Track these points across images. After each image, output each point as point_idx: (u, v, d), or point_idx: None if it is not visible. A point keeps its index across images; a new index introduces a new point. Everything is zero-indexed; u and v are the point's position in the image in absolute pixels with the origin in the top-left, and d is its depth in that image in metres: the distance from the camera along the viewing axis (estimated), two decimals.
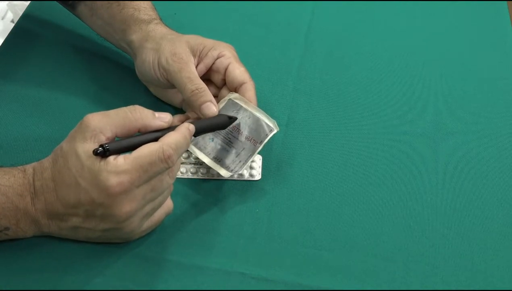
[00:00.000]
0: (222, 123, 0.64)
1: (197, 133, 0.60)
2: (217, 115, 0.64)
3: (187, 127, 0.58)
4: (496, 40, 0.85)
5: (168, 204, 0.60)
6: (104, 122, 0.54)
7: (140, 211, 0.56)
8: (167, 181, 0.57)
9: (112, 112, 0.55)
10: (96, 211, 0.54)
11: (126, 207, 0.54)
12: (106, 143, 0.53)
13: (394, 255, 0.61)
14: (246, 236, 0.62)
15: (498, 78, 0.80)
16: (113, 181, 0.52)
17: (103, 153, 0.53)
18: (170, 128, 0.57)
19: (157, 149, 0.54)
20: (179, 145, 0.56)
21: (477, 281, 0.59)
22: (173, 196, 0.60)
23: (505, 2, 0.91)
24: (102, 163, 0.53)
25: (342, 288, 0.58)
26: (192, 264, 0.59)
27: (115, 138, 0.55)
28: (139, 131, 0.56)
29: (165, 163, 0.54)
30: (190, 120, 0.67)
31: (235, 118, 0.65)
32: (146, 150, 0.54)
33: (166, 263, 0.59)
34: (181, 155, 0.57)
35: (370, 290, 0.58)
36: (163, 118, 0.57)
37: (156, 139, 0.55)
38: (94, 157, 0.53)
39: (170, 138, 0.55)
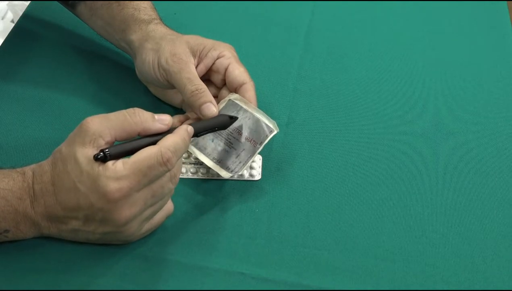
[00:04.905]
0: (223, 123, 0.64)
1: (198, 134, 0.60)
2: (218, 115, 0.64)
3: (185, 129, 0.57)
4: (496, 40, 0.85)
5: (169, 206, 0.60)
6: (104, 126, 0.54)
7: (140, 216, 0.56)
8: (169, 186, 0.56)
9: (112, 116, 0.54)
10: (95, 215, 0.54)
11: (126, 212, 0.54)
12: (106, 148, 0.53)
13: (394, 255, 0.61)
14: (246, 236, 0.62)
15: (498, 78, 0.80)
16: (112, 186, 0.52)
17: (103, 158, 0.52)
18: (169, 130, 0.57)
19: (155, 152, 0.53)
20: (177, 147, 0.55)
21: (477, 281, 0.59)
22: (173, 196, 0.60)
23: (505, 2, 0.91)
24: (101, 168, 0.52)
25: (342, 288, 0.58)
26: (192, 264, 0.59)
27: (115, 141, 0.55)
28: (138, 135, 0.56)
29: (164, 166, 0.54)
30: (190, 121, 0.67)
31: (236, 118, 0.65)
32: (145, 154, 0.53)
33: (166, 263, 0.59)
34: (180, 157, 0.57)
35: (370, 290, 0.58)
36: (163, 120, 0.57)
37: (155, 143, 0.55)
38: (93, 161, 0.52)
39: (168, 141, 0.55)
